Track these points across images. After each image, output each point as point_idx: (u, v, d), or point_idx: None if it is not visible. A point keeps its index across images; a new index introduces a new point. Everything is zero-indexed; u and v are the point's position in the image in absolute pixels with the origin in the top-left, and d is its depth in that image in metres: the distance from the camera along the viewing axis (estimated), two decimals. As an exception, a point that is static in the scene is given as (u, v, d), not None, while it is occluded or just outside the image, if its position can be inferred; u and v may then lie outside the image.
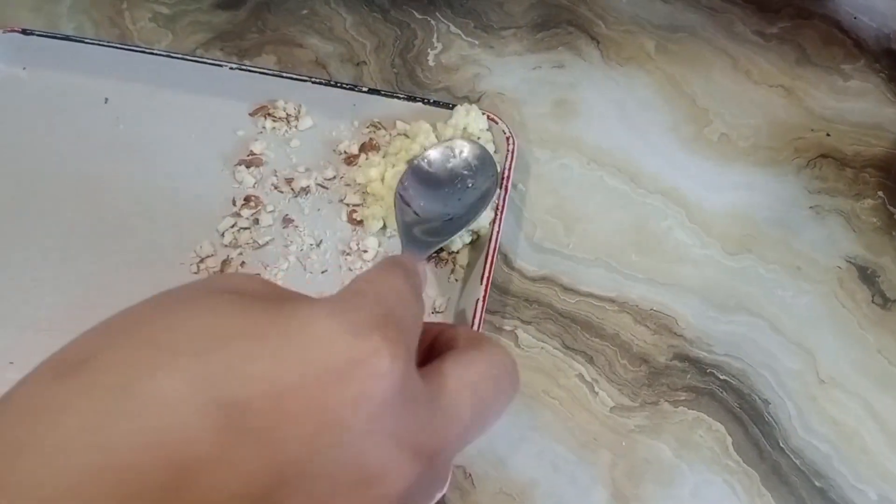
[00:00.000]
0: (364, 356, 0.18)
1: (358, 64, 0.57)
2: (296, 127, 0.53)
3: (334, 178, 0.51)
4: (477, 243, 0.48)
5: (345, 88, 0.52)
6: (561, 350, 0.46)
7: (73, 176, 0.50)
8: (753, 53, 0.58)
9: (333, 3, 0.60)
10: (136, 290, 0.45)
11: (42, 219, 0.49)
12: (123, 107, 0.53)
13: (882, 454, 0.44)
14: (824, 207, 0.52)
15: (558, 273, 0.49)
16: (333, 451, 0.17)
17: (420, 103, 0.51)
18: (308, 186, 0.50)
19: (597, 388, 0.45)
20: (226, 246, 0.48)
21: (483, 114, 0.50)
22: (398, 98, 0.52)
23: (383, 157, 0.51)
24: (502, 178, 0.48)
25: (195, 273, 0.47)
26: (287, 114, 0.53)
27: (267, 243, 0.48)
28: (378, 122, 0.53)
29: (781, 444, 0.44)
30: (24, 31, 0.53)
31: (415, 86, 0.56)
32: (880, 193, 0.53)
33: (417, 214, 0.44)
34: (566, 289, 0.48)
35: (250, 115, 0.53)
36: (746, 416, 0.45)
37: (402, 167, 0.48)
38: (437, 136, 0.49)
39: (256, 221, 0.49)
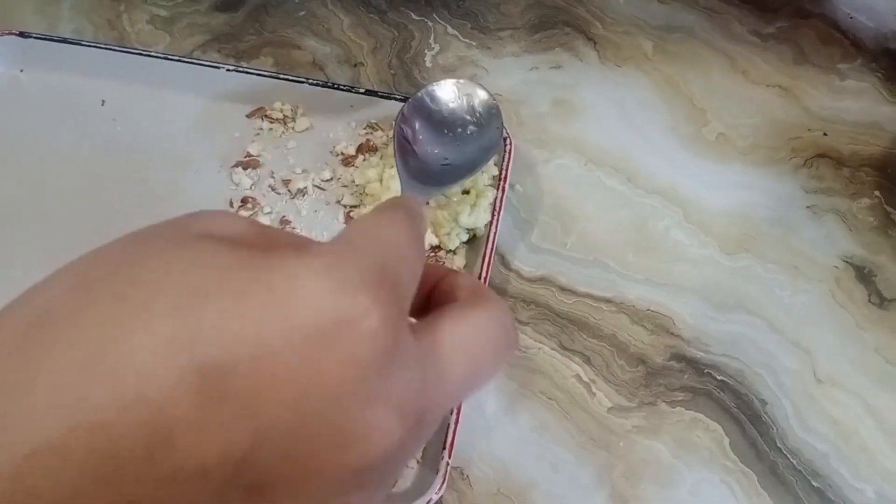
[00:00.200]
0: (352, 317, 0.17)
1: (355, 65, 0.57)
2: (293, 128, 0.53)
3: (331, 179, 0.51)
4: (474, 243, 0.48)
5: (342, 90, 0.52)
6: (558, 351, 0.46)
7: (71, 177, 0.50)
8: (751, 53, 0.58)
9: (331, 4, 0.60)
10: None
11: (40, 221, 0.49)
12: (121, 108, 0.53)
13: (880, 452, 0.44)
14: (821, 207, 0.52)
15: (556, 273, 0.49)
16: (317, 414, 0.17)
17: (417, 104, 0.51)
18: (305, 188, 0.50)
19: (594, 389, 0.45)
20: (223, 247, 0.48)
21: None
22: (395, 99, 0.52)
23: (380, 158, 0.51)
24: (499, 179, 0.48)
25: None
26: (284, 115, 0.53)
27: (264, 245, 0.48)
28: (375, 123, 0.53)
29: (779, 444, 0.44)
30: (21, 34, 0.53)
31: (412, 87, 0.56)
32: (877, 193, 0.53)
33: (415, 153, 0.42)
34: (563, 289, 0.48)
35: (247, 116, 0.53)
36: (744, 415, 0.45)
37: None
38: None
39: (254, 223, 0.49)
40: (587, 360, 0.46)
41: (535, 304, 0.48)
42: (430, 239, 0.48)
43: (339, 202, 0.50)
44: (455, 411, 0.40)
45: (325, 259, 0.18)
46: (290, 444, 0.16)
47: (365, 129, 0.53)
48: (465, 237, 0.48)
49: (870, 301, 0.49)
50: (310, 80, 0.52)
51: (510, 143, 0.49)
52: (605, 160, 0.53)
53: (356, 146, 0.52)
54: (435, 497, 0.39)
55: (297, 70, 0.57)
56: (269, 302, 0.17)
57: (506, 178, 0.48)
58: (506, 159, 0.49)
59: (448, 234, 0.47)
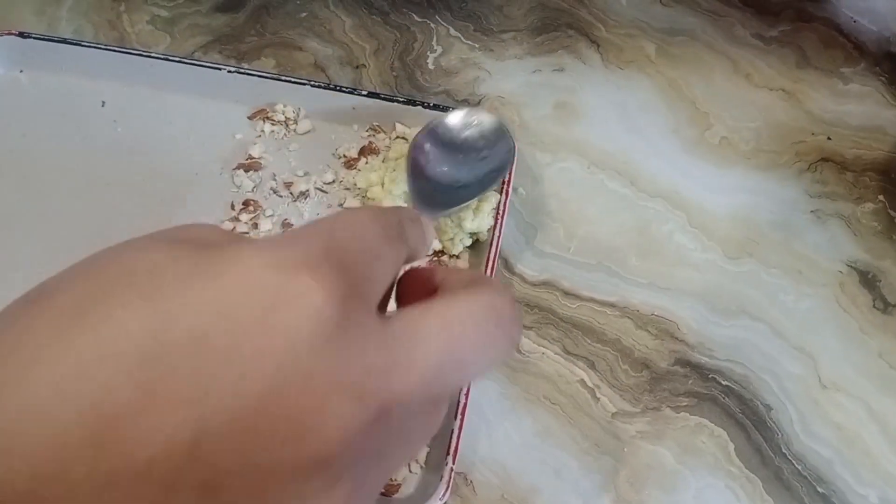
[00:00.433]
0: (291, 295, 0.16)
1: (357, 67, 0.57)
2: (295, 130, 0.52)
3: (333, 182, 0.51)
4: (477, 248, 0.48)
5: (344, 92, 0.52)
6: (562, 355, 0.46)
7: (71, 179, 0.50)
8: (754, 57, 0.58)
9: (333, 5, 0.60)
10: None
11: (40, 223, 0.48)
12: (121, 110, 0.53)
13: (884, 457, 0.44)
14: (825, 211, 0.52)
15: (559, 277, 0.48)
16: (260, 398, 0.16)
17: (420, 107, 0.51)
18: (307, 190, 0.50)
19: (598, 394, 0.45)
20: (225, 250, 0.47)
21: (483, 117, 0.50)
22: (398, 101, 0.51)
23: (383, 161, 0.51)
24: (503, 183, 0.48)
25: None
26: (286, 117, 0.52)
27: (266, 248, 0.48)
28: (377, 126, 0.52)
29: (784, 450, 0.44)
30: (21, 35, 0.52)
31: (414, 89, 0.56)
32: (881, 197, 0.53)
33: (428, 177, 0.44)
34: (567, 293, 0.48)
35: (249, 118, 0.53)
36: (748, 421, 0.44)
37: (401, 172, 0.48)
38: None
39: (255, 226, 0.48)
40: (591, 365, 0.46)
41: (538, 308, 0.47)
42: (434, 244, 0.47)
43: (341, 205, 0.50)
44: (459, 416, 0.40)
45: (271, 242, 0.18)
46: (237, 436, 0.16)
47: (367, 131, 0.52)
48: (468, 242, 0.47)
49: (874, 306, 0.49)
50: (312, 82, 0.52)
51: (514, 147, 0.49)
52: (608, 163, 0.53)
53: (358, 148, 0.52)
54: (439, 503, 0.39)
55: (299, 71, 0.56)
56: (208, 285, 0.16)
57: (509, 181, 0.48)
58: (510, 163, 0.49)
59: (451, 239, 0.46)
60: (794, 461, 0.44)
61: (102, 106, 0.53)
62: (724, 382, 0.46)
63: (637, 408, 0.45)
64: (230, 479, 0.16)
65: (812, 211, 0.52)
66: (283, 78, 0.52)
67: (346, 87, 0.52)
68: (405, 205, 0.47)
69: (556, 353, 0.46)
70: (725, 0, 0.61)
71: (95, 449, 0.15)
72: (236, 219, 0.48)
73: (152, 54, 0.53)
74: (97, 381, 0.15)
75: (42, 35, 0.53)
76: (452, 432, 0.40)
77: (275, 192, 0.50)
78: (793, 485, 0.43)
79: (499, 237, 0.46)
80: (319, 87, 0.52)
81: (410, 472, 0.41)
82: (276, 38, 0.58)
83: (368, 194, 0.49)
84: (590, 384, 0.45)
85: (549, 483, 0.42)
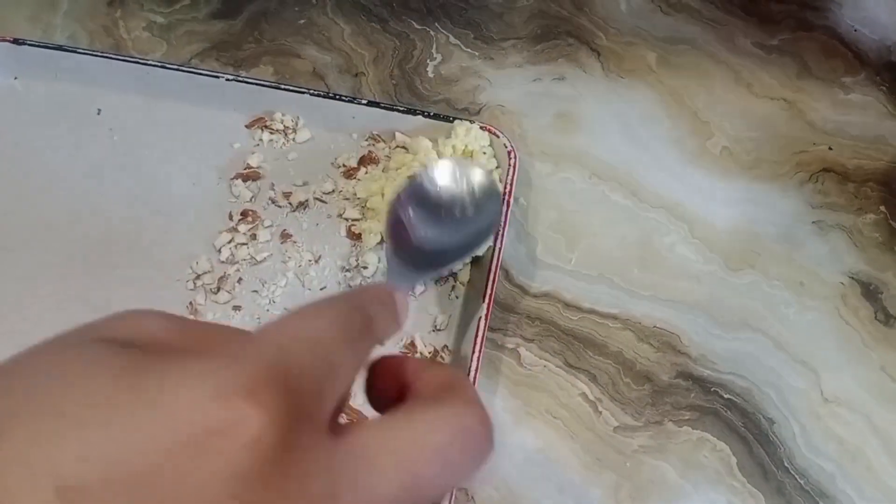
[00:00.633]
0: (228, 425, 0.15)
1: (356, 75, 0.56)
2: (293, 139, 0.52)
3: (333, 191, 0.50)
4: (478, 259, 0.47)
5: (343, 100, 0.51)
6: (563, 368, 0.45)
7: (66, 188, 0.49)
8: (755, 66, 0.58)
9: (331, 12, 0.59)
10: (132, 306, 0.45)
11: (34, 233, 0.48)
12: (117, 118, 0.52)
13: (886, 472, 0.44)
14: (827, 222, 0.52)
15: (560, 289, 0.48)
16: None
17: (420, 116, 0.51)
18: (306, 201, 0.49)
19: (600, 408, 0.44)
20: (223, 262, 0.47)
21: (483, 129, 0.49)
22: (398, 111, 0.51)
23: (383, 170, 0.50)
24: (504, 193, 0.48)
25: (192, 290, 0.46)
26: (284, 126, 0.52)
27: (265, 259, 0.47)
28: (377, 135, 0.52)
29: (786, 464, 0.44)
30: (15, 41, 0.52)
31: (414, 97, 0.55)
32: (882, 208, 0.52)
33: (409, 237, 0.39)
34: (568, 305, 0.48)
35: (247, 127, 0.52)
36: (751, 435, 0.44)
37: (402, 182, 0.47)
38: (437, 153, 0.49)
39: (254, 237, 0.48)
40: (593, 379, 0.45)
41: (539, 320, 0.47)
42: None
43: (340, 215, 0.49)
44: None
45: (210, 363, 0.17)
46: None
47: (367, 140, 0.52)
48: (468, 259, 0.47)
49: (876, 318, 0.48)
50: (311, 91, 0.51)
51: (514, 157, 0.49)
52: (610, 174, 0.53)
53: (358, 158, 0.51)
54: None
55: (297, 79, 0.56)
56: (138, 415, 0.15)
57: (510, 192, 0.48)
58: (510, 173, 0.48)
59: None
60: (796, 476, 0.43)
61: (98, 114, 0.52)
62: (726, 396, 0.45)
63: (639, 422, 0.44)
64: None
65: (814, 222, 0.52)
66: (282, 86, 0.51)
67: (346, 96, 0.52)
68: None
69: (557, 367, 0.46)
70: (726, 9, 0.61)
71: None
72: (234, 229, 0.48)
73: (148, 62, 0.52)
74: None
75: (37, 42, 0.52)
76: (454, 448, 0.39)
77: (273, 202, 0.49)
78: (795, 500, 0.42)
79: (500, 248, 0.46)
80: (318, 95, 0.51)
81: None
82: (273, 46, 0.57)
83: (368, 204, 0.48)
84: (591, 398, 0.45)
85: (551, 499, 0.42)
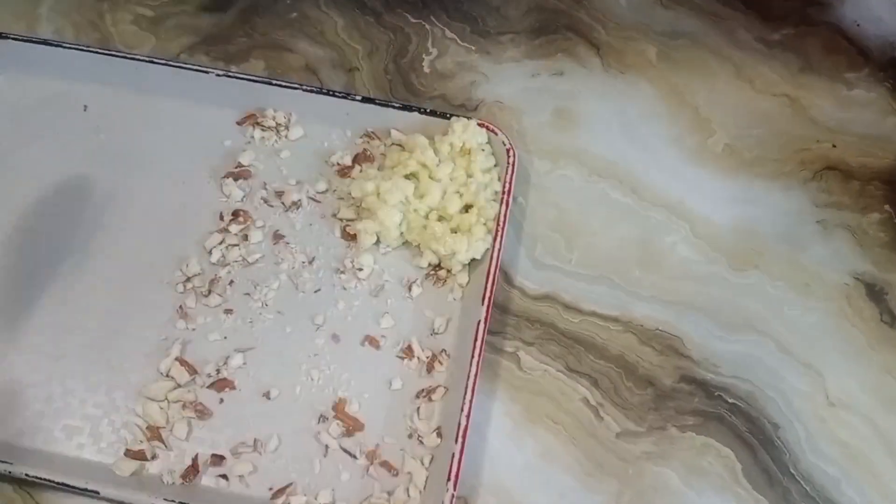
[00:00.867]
0: None
1: (350, 70, 0.55)
2: (286, 137, 0.50)
3: (326, 191, 0.49)
4: (476, 261, 0.46)
5: (337, 97, 0.50)
6: (564, 373, 0.44)
7: (52, 187, 0.48)
8: (756, 61, 0.57)
9: (324, 5, 0.58)
10: (120, 309, 0.44)
11: (18, 233, 0.46)
12: (104, 114, 0.51)
13: (890, 477, 0.43)
14: (831, 222, 0.51)
15: (560, 290, 0.47)
16: None
17: (416, 113, 0.49)
18: (299, 200, 0.48)
19: (602, 413, 0.43)
20: (213, 264, 0.46)
21: (481, 126, 0.48)
22: (393, 107, 0.50)
23: (378, 169, 0.49)
24: (503, 193, 0.46)
25: (182, 293, 0.45)
26: (277, 123, 0.50)
27: (257, 261, 0.46)
28: (372, 132, 0.50)
29: (791, 470, 0.43)
30: (-2, 35, 0.50)
31: (409, 93, 0.54)
32: (887, 207, 0.51)
33: None
34: (568, 307, 0.47)
35: (238, 123, 0.51)
36: (755, 440, 0.43)
37: (397, 181, 0.46)
38: (434, 151, 0.47)
39: (245, 238, 0.46)
40: (595, 383, 0.44)
41: (539, 322, 0.46)
42: (430, 257, 0.46)
43: (335, 215, 0.48)
44: (460, 439, 0.39)
45: None
46: None
47: (361, 137, 0.51)
48: (466, 261, 0.46)
49: (881, 320, 0.48)
50: (304, 87, 0.50)
51: (513, 156, 0.48)
52: (609, 172, 0.52)
53: (352, 156, 0.50)
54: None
55: (290, 74, 0.54)
56: None
57: (509, 191, 0.46)
58: (508, 172, 0.47)
59: (450, 258, 0.45)
60: (801, 481, 0.42)
61: (84, 110, 0.51)
62: (730, 400, 0.44)
63: (642, 427, 0.43)
64: None
65: (817, 221, 0.51)
66: (274, 82, 0.50)
67: (340, 92, 0.50)
68: (400, 215, 0.46)
69: (558, 371, 0.44)
70: (727, 2, 0.59)
71: None
72: (225, 230, 0.47)
73: (136, 56, 0.51)
74: None
75: (21, 36, 0.51)
76: (453, 456, 0.38)
77: (265, 201, 0.48)
78: (801, 506, 0.42)
79: (499, 250, 0.44)
80: (312, 91, 0.50)
81: (410, 497, 0.40)
82: (265, 40, 0.56)
83: (363, 204, 0.47)
84: (593, 403, 0.44)
85: (553, 507, 0.41)
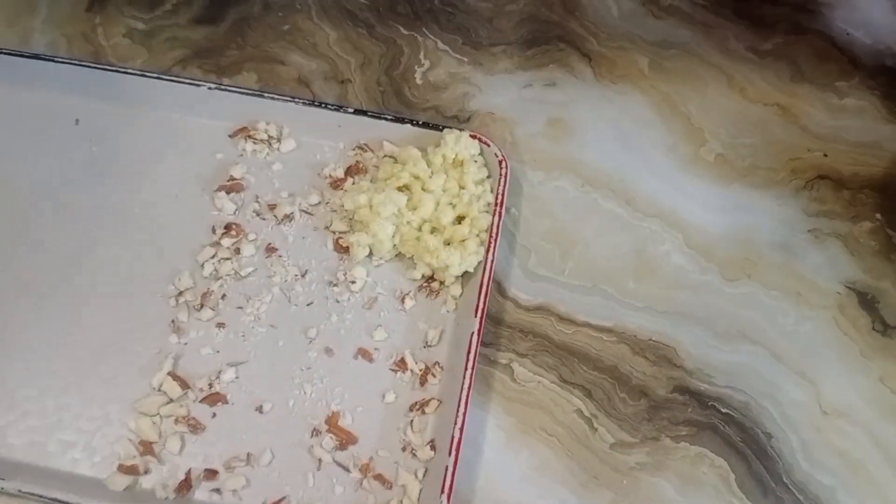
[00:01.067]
0: None
1: (342, 82, 0.55)
2: (278, 149, 0.50)
3: (319, 203, 0.49)
4: (469, 273, 0.46)
5: (330, 109, 0.50)
6: (558, 384, 0.44)
7: (43, 201, 0.48)
8: (748, 70, 0.57)
9: (316, 18, 0.58)
10: (113, 323, 0.44)
11: (10, 247, 0.46)
12: (96, 128, 0.51)
13: (887, 485, 0.43)
14: (823, 231, 0.51)
15: (554, 302, 0.47)
16: None
17: (409, 125, 0.49)
18: (292, 213, 0.48)
19: (596, 424, 0.43)
20: (206, 278, 0.45)
21: (474, 138, 0.48)
22: (386, 119, 0.50)
23: (371, 181, 0.49)
24: (495, 205, 0.46)
25: (174, 307, 0.44)
26: (269, 136, 0.50)
27: (249, 274, 0.46)
28: (364, 144, 0.51)
29: (785, 479, 0.43)
30: (-10, 49, 0.50)
31: (402, 105, 0.54)
32: (878, 215, 0.52)
33: None
34: (562, 318, 0.47)
35: (230, 136, 0.51)
36: (749, 450, 0.43)
37: (390, 193, 0.46)
38: (427, 162, 0.47)
39: (238, 251, 0.46)
40: (588, 394, 0.44)
41: (533, 334, 0.46)
42: (424, 269, 0.46)
43: (327, 228, 0.48)
44: (453, 452, 0.39)
45: None
46: None
47: (354, 150, 0.51)
48: (459, 272, 0.46)
49: (874, 328, 0.48)
50: (296, 99, 0.50)
51: (505, 167, 0.48)
52: (602, 182, 0.52)
53: (345, 168, 0.50)
54: (434, 546, 0.37)
55: (282, 87, 0.54)
56: None
57: (502, 203, 0.46)
58: (501, 183, 0.47)
59: (443, 270, 0.45)
60: (795, 491, 0.42)
61: (76, 124, 0.51)
62: (724, 410, 0.44)
63: (636, 438, 0.43)
64: None
65: (810, 230, 0.51)
66: (266, 94, 0.50)
67: (332, 104, 0.50)
68: (393, 227, 0.46)
69: (551, 382, 0.44)
70: (718, 12, 0.60)
71: None
72: (218, 244, 0.46)
73: (129, 70, 0.51)
74: None
75: (13, 50, 0.51)
76: (447, 469, 0.38)
77: (258, 214, 0.48)
78: (796, 516, 0.42)
79: (492, 262, 0.44)
80: (304, 103, 0.50)
81: (403, 510, 0.40)
82: (257, 52, 0.56)
83: (356, 216, 0.47)
84: (587, 414, 0.44)
85: (547, 519, 0.41)
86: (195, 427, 0.41)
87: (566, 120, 0.54)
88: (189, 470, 0.40)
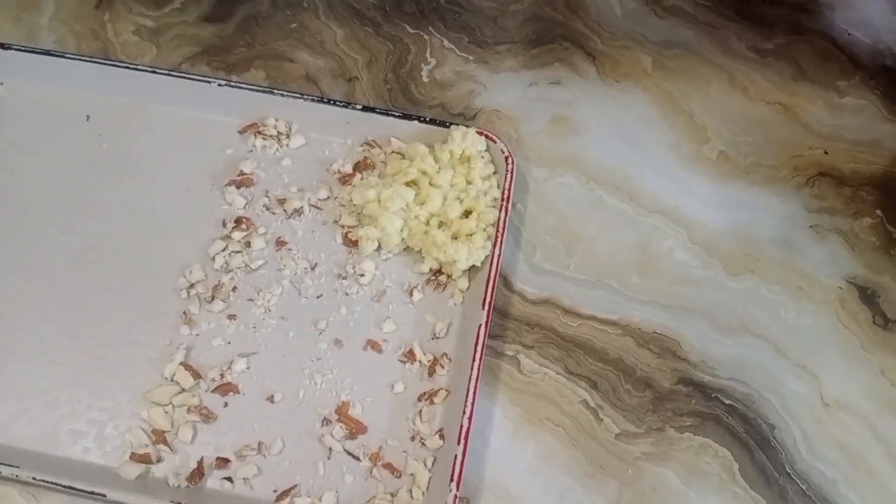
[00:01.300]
0: None
1: (350, 79, 0.56)
2: (287, 145, 0.51)
3: (328, 198, 0.49)
4: (476, 267, 0.46)
5: (338, 106, 0.51)
6: (564, 375, 0.45)
7: (55, 196, 0.48)
8: (750, 69, 0.58)
9: (324, 16, 0.58)
10: (125, 317, 0.44)
11: (23, 242, 0.47)
12: (106, 124, 0.51)
13: (888, 477, 0.44)
14: (824, 226, 0.52)
15: (560, 295, 0.48)
16: None
17: (416, 122, 0.50)
18: (301, 207, 0.49)
19: (601, 415, 0.44)
20: (217, 270, 0.46)
21: (480, 134, 0.49)
22: (393, 116, 0.50)
23: (379, 176, 0.50)
24: (502, 200, 0.47)
25: (185, 299, 0.45)
26: (278, 132, 0.51)
27: (259, 267, 0.46)
28: (372, 141, 0.51)
29: (788, 470, 0.43)
30: (1, 46, 0.51)
31: (408, 102, 0.55)
32: (878, 212, 0.52)
33: None
34: (568, 311, 0.47)
35: (239, 132, 0.51)
36: (753, 441, 0.44)
37: (398, 188, 0.47)
38: (434, 158, 0.48)
39: (248, 244, 0.47)
40: (594, 385, 0.45)
41: (539, 326, 0.46)
42: (431, 263, 0.46)
43: (336, 222, 0.49)
44: (462, 442, 0.39)
45: None
46: None
47: (362, 146, 0.51)
48: (466, 266, 0.46)
49: (874, 322, 0.48)
50: (305, 96, 0.51)
51: (512, 163, 0.48)
52: (607, 178, 0.52)
53: (353, 164, 0.50)
54: (443, 533, 0.38)
55: (290, 84, 0.55)
56: None
57: (508, 198, 0.47)
58: (507, 179, 0.48)
59: (451, 264, 0.46)
60: (798, 481, 0.43)
61: (87, 120, 0.51)
62: (727, 402, 0.45)
63: (641, 428, 0.44)
64: None
65: (811, 226, 0.51)
66: (275, 91, 0.51)
67: (340, 101, 0.51)
68: (401, 221, 0.46)
69: (557, 373, 0.45)
70: (720, 12, 0.61)
71: None
72: (228, 237, 0.47)
73: (138, 66, 0.51)
74: None
75: (23, 46, 0.51)
76: (456, 458, 0.39)
77: (267, 208, 0.49)
78: (798, 506, 0.42)
79: (499, 256, 0.45)
80: (312, 100, 0.51)
81: (413, 498, 0.40)
82: (265, 50, 0.57)
83: (364, 211, 0.47)
84: (592, 405, 0.44)
85: (554, 508, 0.41)
86: (207, 416, 0.42)
87: (570, 118, 0.55)
88: (201, 458, 0.41)
